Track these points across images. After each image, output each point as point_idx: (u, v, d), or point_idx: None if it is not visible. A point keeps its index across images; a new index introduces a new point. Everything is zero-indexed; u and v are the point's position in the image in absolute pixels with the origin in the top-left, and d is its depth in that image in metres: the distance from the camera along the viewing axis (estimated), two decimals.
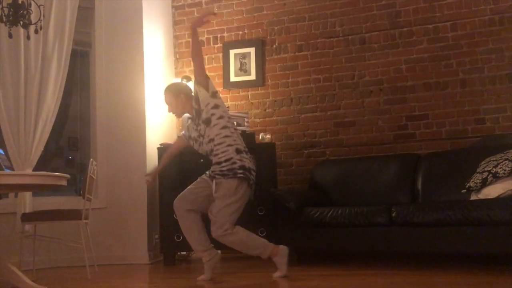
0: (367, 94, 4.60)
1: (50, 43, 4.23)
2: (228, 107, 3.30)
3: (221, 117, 3.19)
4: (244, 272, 3.50)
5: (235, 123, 3.36)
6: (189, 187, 3.33)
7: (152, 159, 4.51)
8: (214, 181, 3.18)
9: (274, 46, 4.92)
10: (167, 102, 3.39)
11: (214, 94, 3.24)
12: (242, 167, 3.12)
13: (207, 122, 3.19)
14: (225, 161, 3.13)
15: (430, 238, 3.20)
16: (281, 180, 4.65)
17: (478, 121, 4.26)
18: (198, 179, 3.33)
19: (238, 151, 3.16)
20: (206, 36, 5.15)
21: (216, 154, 3.17)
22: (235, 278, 3.29)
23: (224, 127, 3.18)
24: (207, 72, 3.34)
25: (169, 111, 3.43)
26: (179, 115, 3.43)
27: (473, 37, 4.34)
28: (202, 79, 3.22)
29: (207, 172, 3.28)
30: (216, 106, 3.20)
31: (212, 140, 3.18)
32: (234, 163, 3.12)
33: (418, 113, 4.44)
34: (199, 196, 3.23)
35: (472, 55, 4.32)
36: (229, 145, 3.15)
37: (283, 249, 3.18)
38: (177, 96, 3.33)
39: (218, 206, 3.12)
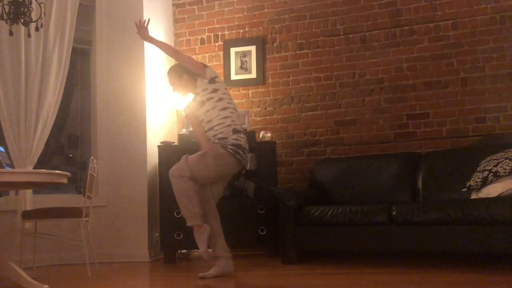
0: (367, 93, 4.60)
1: (50, 41, 4.23)
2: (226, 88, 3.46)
3: (220, 99, 3.34)
4: (245, 271, 3.50)
5: (235, 103, 3.54)
6: None
7: (152, 157, 4.51)
8: None
9: (275, 44, 4.91)
10: (171, 83, 3.51)
11: (212, 80, 3.37)
12: (234, 145, 3.25)
13: (201, 104, 3.36)
14: (219, 139, 3.28)
15: (430, 237, 3.20)
16: (282, 178, 4.65)
17: (478, 120, 4.26)
18: None
19: (235, 131, 3.30)
20: (207, 34, 5.15)
21: (215, 135, 3.31)
22: (234, 277, 3.29)
23: (224, 108, 3.32)
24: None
25: (174, 91, 3.52)
26: (183, 94, 3.52)
27: (474, 35, 4.34)
28: (198, 70, 3.38)
29: None
30: (214, 91, 3.35)
31: (210, 121, 3.33)
32: (228, 141, 3.25)
33: (418, 111, 4.44)
34: None
35: (473, 54, 4.32)
36: (228, 125, 3.30)
37: (206, 227, 3.20)
38: (179, 77, 3.44)
39: (196, 155, 3.23)
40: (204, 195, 3.32)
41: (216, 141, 3.29)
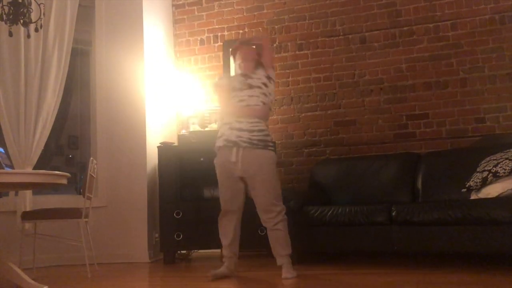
0: (367, 93, 4.60)
1: (50, 41, 4.23)
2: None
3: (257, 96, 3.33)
4: (245, 271, 3.50)
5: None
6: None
7: (152, 157, 4.51)
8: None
9: (275, 45, 4.91)
10: (246, 54, 3.43)
11: (269, 78, 3.38)
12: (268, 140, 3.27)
13: (249, 87, 3.29)
14: (260, 140, 3.22)
15: (430, 237, 3.20)
16: (281, 179, 4.63)
17: (478, 120, 4.26)
18: None
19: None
20: (206, 34, 5.15)
21: (253, 130, 3.24)
22: (234, 277, 3.28)
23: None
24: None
25: (238, 61, 3.46)
26: (244, 67, 3.44)
27: (473, 36, 4.34)
28: (271, 64, 3.45)
29: None
30: (263, 85, 3.35)
31: (248, 106, 3.29)
32: (267, 137, 3.25)
33: (418, 112, 4.44)
34: None
35: (472, 54, 4.32)
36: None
37: None
38: (259, 54, 3.44)
39: (267, 181, 3.20)
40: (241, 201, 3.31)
41: (259, 141, 3.20)
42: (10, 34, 3.49)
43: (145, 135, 4.50)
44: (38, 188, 3.68)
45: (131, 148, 4.49)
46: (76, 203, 3.99)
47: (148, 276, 3.64)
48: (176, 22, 5.27)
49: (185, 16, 5.25)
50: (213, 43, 5.11)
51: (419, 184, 3.92)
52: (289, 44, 4.86)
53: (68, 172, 3.24)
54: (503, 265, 3.20)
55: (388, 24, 4.60)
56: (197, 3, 5.21)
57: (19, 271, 3.02)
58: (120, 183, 4.47)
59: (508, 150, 3.42)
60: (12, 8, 3.34)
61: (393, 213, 3.33)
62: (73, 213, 3.68)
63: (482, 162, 3.50)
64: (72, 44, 4.36)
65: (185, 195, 4.20)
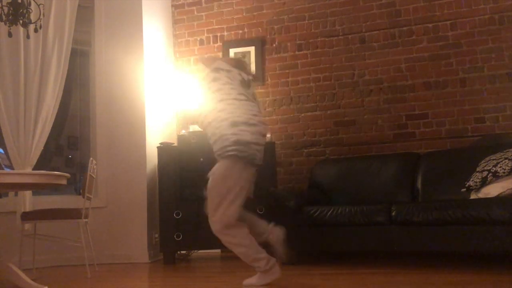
0: (367, 93, 4.60)
1: (49, 42, 4.23)
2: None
3: (218, 90, 2.90)
4: (244, 272, 3.50)
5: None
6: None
7: (152, 158, 4.51)
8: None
9: (274, 45, 4.91)
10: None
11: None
12: (235, 142, 2.73)
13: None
14: (216, 147, 2.84)
15: (430, 237, 3.20)
16: (281, 179, 4.65)
17: (477, 120, 4.26)
18: None
19: (234, 124, 2.77)
20: (206, 35, 5.15)
21: (213, 141, 2.87)
22: (234, 278, 3.29)
23: (220, 100, 2.86)
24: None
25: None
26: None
27: (473, 36, 4.34)
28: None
29: None
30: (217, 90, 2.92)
31: (209, 123, 2.90)
32: (226, 142, 2.76)
33: (418, 112, 4.44)
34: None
35: (472, 54, 4.33)
36: (224, 119, 2.80)
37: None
38: None
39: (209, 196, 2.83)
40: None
41: (216, 151, 2.82)
42: (10, 35, 3.49)
43: (144, 135, 4.50)
44: (37, 188, 3.69)
45: (131, 148, 4.49)
46: (75, 204, 3.99)
47: (148, 277, 3.64)
48: (175, 22, 5.27)
49: (184, 17, 5.25)
50: (213, 43, 5.11)
51: (419, 184, 3.93)
52: (288, 44, 4.87)
53: (67, 173, 3.24)
54: (503, 265, 3.20)
55: (387, 24, 4.60)
56: (197, 3, 5.21)
57: (19, 271, 3.02)
58: (120, 183, 4.47)
59: (507, 150, 3.42)
60: (11, 8, 3.35)
61: (393, 213, 3.34)
62: (73, 214, 3.68)
63: (482, 162, 3.50)
64: (71, 44, 4.36)
65: (185, 195, 4.20)
